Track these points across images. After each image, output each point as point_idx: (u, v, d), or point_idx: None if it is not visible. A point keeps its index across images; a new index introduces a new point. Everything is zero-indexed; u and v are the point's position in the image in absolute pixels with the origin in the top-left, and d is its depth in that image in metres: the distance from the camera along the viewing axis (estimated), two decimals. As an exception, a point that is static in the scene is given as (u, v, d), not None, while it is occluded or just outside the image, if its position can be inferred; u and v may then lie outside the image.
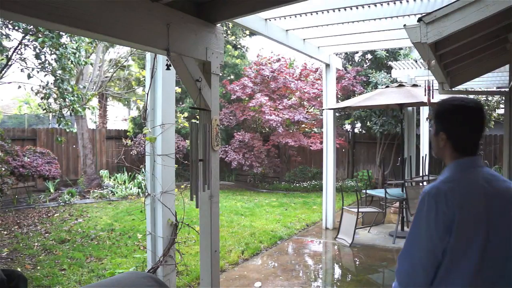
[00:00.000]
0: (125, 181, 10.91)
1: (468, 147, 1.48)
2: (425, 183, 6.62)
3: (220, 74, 6.02)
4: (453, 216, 1.34)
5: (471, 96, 7.85)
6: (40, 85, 6.18)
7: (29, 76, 5.87)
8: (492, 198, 1.38)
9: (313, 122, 12.04)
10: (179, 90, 4.35)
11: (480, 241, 1.35)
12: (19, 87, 6.38)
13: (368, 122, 10.88)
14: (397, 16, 4.97)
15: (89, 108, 8.22)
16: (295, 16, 5.15)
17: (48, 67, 6.00)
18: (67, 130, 6.80)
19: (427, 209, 1.38)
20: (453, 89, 4.96)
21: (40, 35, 5.55)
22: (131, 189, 10.23)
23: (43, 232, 6.60)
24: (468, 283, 1.35)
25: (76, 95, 6.24)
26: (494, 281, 1.37)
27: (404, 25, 2.73)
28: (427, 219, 1.37)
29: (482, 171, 1.45)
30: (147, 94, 3.15)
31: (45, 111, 6.42)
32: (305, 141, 11.11)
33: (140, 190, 10.02)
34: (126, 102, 16.90)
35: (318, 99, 11.28)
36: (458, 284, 1.35)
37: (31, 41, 5.90)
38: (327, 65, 7.01)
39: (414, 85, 6.77)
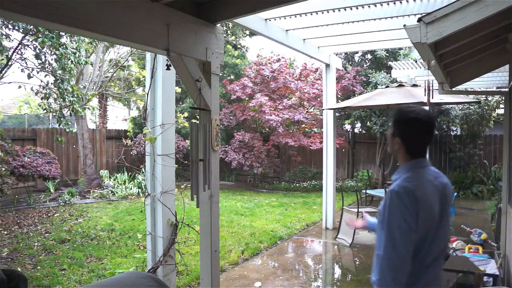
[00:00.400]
0: (125, 181, 10.91)
1: (418, 151, 1.78)
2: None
3: (220, 74, 6.02)
4: (419, 208, 1.62)
5: (471, 96, 7.87)
6: (40, 85, 6.18)
7: (29, 76, 5.87)
8: (439, 191, 1.74)
9: (313, 122, 12.04)
10: (179, 90, 4.35)
11: (436, 222, 1.70)
12: (19, 87, 6.38)
13: (368, 122, 10.88)
14: (397, 16, 4.97)
15: (89, 108, 8.22)
16: (295, 16, 5.15)
17: (48, 67, 6.00)
18: (67, 130, 6.80)
19: (402, 204, 1.62)
20: (453, 89, 4.95)
21: (40, 35, 5.55)
22: (131, 189, 10.23)
23: (43, 232, 6.60)
24: (426, 251, 1.68)
25: (76, 95, 6.24)
26: (442, 248, 1.75)
27: (404, 25, 2.73)
28: (403, 213, 1.61)
29: (429, 170, 1.78)
30: (147, 94, 3.16)
31: (45, 111, 6.42)
32: (305, 141, 11.11)
33: (140, 190, 10.02)
34: (126, 102, 16.90)
35: (318, 99, 11.28)
36: (425, 257, 1.68)
37: (31, 41, 5.90)
38: (327, 65, 7.01)
39: (414, 85, 6.77)
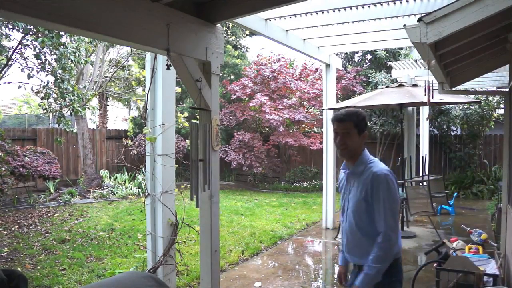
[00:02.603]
0: (125, 181, 10.91)
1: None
2: (425, 183, 6.62)
3: (220, 74, 6.02)
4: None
5: (471, 96, 7.84)
6: (40, 85, 6.18)
7: (29, 76, 5.87)
8: None
9: (313, 122, 12.04)
10: (179, 90, 4.35)
11: None
12: (19, 87, 6.38)
13: (368, 122, 10.85)
14: (397, 16, 4.97)
15: (89, 108, 8.21)
16: (295, 16, 5.15)
17: (48, 67, 5.99)
18: (67, 130, 6.80)
19: (392, 184, 2.00)
20: (453, 89, 4.94)
21: (40, 35, 5.55)
22: (131, 189, 10.23)
23: (43, 232, 6.60)
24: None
25: (76, 95, 6.24)
26: None
27: (404, 25, 2.72)
28: (394, 192, 1.99)
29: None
30: (147, 94, 3.15)
31: (45, 111, 6.42)
32: (305, 141, 11.10)
33: (140, 190, 10.02)
34: (126, 102, 16.90)
35: (318, 99, 11.27)
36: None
37: (31, 41, 5.90)
38: (327, 65, 7.00)
39: (414, 85, 6.76)
